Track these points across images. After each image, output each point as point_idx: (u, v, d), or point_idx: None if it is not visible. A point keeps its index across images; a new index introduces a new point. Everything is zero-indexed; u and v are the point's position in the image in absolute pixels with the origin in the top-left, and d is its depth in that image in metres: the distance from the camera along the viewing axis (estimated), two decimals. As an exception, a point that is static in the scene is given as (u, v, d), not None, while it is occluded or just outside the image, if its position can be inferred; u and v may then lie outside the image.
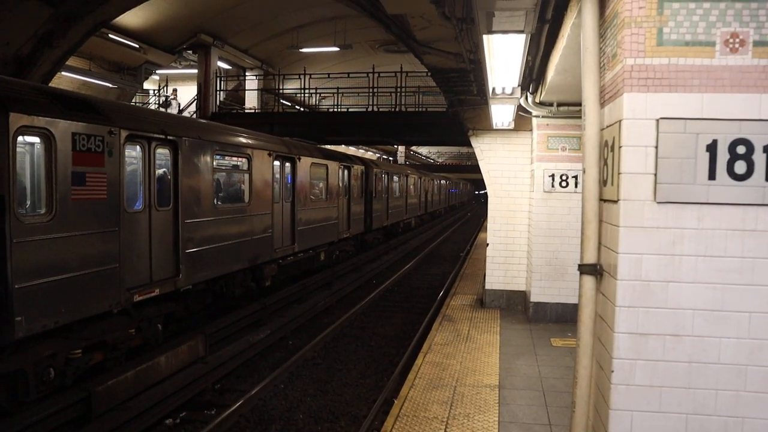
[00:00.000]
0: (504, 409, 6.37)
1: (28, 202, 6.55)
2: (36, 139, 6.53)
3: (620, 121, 3.36)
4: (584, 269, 3.68)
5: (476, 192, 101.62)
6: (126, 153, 7.75)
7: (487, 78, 5.93)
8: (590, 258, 3.68)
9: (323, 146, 18.09)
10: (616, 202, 3.42)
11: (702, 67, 3.26)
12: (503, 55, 5.09)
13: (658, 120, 3.29)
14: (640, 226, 3.34)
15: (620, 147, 3.34)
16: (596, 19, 3.60)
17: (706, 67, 3.26)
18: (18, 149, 6.18)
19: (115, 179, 7.41)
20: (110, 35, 17.90)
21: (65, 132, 6.67)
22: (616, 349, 3.40)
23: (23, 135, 6.28)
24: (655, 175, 3.31)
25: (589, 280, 3.69)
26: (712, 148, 3.23)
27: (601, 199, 3.73)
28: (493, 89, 6.36)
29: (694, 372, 3.37)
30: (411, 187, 29.47)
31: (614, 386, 3.42)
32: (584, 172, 3.69)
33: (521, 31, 4.02)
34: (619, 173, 3.36)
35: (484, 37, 4.40)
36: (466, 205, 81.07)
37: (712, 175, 3.26)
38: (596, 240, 3.68)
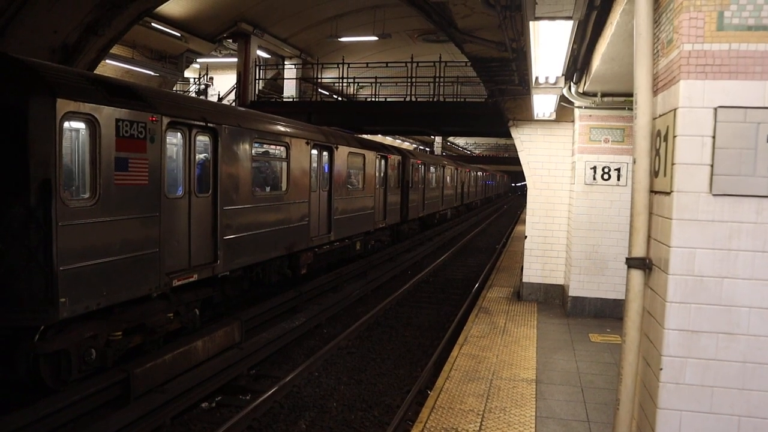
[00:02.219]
0: (541, 403, 6.27)
1: (73, 187, 6.68)
2: (81, 125, 6.65)
3: (675, 109, 3.21)
4: (632, 263, 3.55)
5: (513, 184, 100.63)
6: (167, 140, 7.84)
7: (531, 67, 5.79)
8: (639, 251, 3.54)
9: (360, 136, 18.09)
10: (668, 193, 3.28)
11: (765, 53, 3.08)
12: (548, 43, 4.95)
13: (716, 109, 3.14)
14: (695, 218, 3.20)
15: (675, 137, 3.20)
16: (650, 3, 3.44)
17: (770, 53, 3.08)
18: (64, 134, 6.30)
19: (156, 165, 7.51)
20: (153, 24, 18.19)
21: (109, 118, 6.78)
22: (665, 346, 3.28)
23: (69, 120, 6.41)
24: (712, 166, 3.16)
25: (637, 275, 3.56)
26: (774, 138, 3.07)
27: (652, 191, 3.58)
28: (536, 78, 6.21)
29: (748, 372, 3.23)
30: (447, 178, 29.26)
31: (663, 384, 3.31)
32: (634, 162, 3.55)
33: (569, 18, 3.88)
34: (672, 164, 3.22)
35: (530, 24, 4.28)
36: (503, 197, 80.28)
37: (773, 167, 3.10)
38: (645, 233, 3.55)
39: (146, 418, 6.69)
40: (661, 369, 3.31)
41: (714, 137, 3.15)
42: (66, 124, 6.36)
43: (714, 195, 3.19)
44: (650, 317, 3.54)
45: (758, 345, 3.21)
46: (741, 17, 3.10)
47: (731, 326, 3.24)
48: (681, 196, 3.21)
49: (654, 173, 3.55)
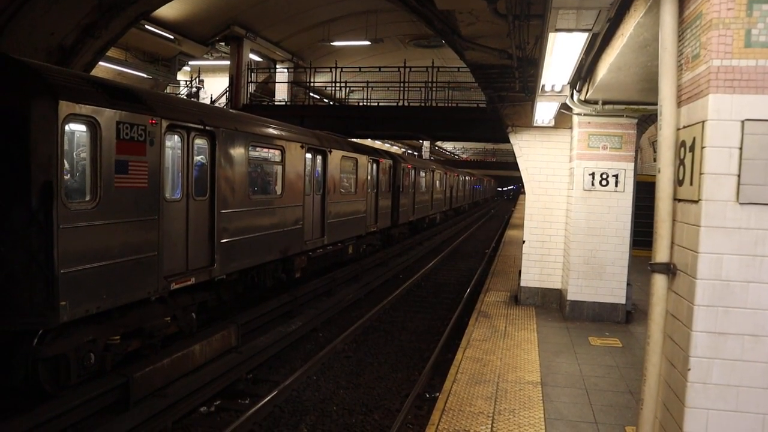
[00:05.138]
0: (549, 405, 6.36)
1: (74, 189, 6.62)
2: (82, 127, 6.60)
3: (704, 122, 3.33)
4: (656, 268, 3.67)
5: (500, 189, 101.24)
6: (166, 142, 7.81)
7: (542, 75, 5.88)
8: (663, 257, 3.65)
9: (352, 139, 18.11)
10: (696, 202, 3.39)
11: (790, 69, 3.21)
12: (561, 53, 5.04)
13: (743, 121, 3.26)
14: (722, 226, 3.32)
15: (703, 147, 3.31)
16: (676, 19, 3.56)
17: (795, 70, 3.21)
18: (65, 136, 6.25)
19: (155, 168, 7.47)
20: (147, 26, 18.09)
21: (110, 120, 6.74)
22: (693, 348, 3.39)
23: (71, 123, 6.35)
24: (739, 176, 3.28)
25: (660, 279, 3.67)
26: (798, 149, 3.18)
27: (676, 199, 3.69)
28: (543, 86, 6.30)
29: None
30: (437, 182, 29.37)
31: (691, 384, 3.42)
32: (659, 171, 3.66)
33: (589, 30, 3.97)
34: (700, 174, 3.34)
35: (549, 34, 4.35)
36: (490, 201, 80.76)
37: (797, 177, 3.21)
38: (669, 239, 3.66)
39: (147, 423, 6.65)
40: (689, 369, 3.42)
41: (741, 148, 3.27)
42: (68, 127, 6.31)
43: (741, 203, 3.31)
44: (674, 320, 3.65)
45: (782, 347, 3.34)
46: (768, 35, 3.23)
47: (756, 328, 3.36)
48: (709, 205, 3.32)
49: (678, 182, 3.65)
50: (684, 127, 3.62)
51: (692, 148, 3.44)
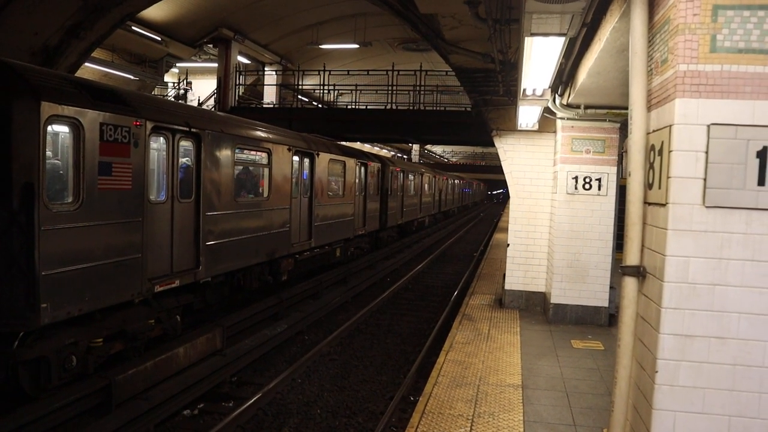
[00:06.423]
0: (528, 408, 6.39)
1: (56, 191, 6.59)
2: (65, 129, 6.58)
3: (671, 126, 3.38)
4: (627, 271, 3.71)
5: (489, 192, 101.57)
6: (151, 144, 7.80)
7: (521, 79, 5.93)
8: (633, 260, 3.70)
9: (340, 143, 18.13)
10: (664, 205, 3.43)
11: (755, 74, 3.27)
12: (539, 57, 5.09)
13: (709, 126, 3.32)
14: (689, 229, 3.37)
15: (670, 151, 3.36)
16: (645, 24, 3.62)
17: (758, 75, 3.27)
18: (48, 138, 6.23)
19: (140, 170, 7.46)
20: (133, 27, 18.02)
21: (93, 122, 6.72)
22: (660, 350, 3.44)
23: (53, 124, 6.33)
24: (705, 179, 3.34)
25: (631, 282, 3.72)
26: (762, 154, 3.25)
27: (646, 202, 3.74)
28: (524, 90, 6.36)
29: (738, 374, 3.41)
30: (425, 185, 29.43)
31: (658, 386, 3.46)
32: (629, 175, 3.71)
33: (563, 35, 4.02)
34: (668, 177, 3.38)
35: (525, 39, 4.40)
36: (479, 205, 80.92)
37: (761, 181, 3.28)
38: (639, 242, 3.71)
39: (129, 426, 6.62)
40: (656, 372, 3.46)
41: (707, 152, 3.32)
42: (50, 128, 6.29)
43: (707, 207, 3.36)
44: (644, 322, 3.69)
45: (747, 349, 3.39)
46: (732, 40, 3.29)
47: (722, 331, 3.41)
48: (676, 208, 3.37)
49: (648, 185, 3.70)
50: (653, 131, 3.66)
51: (661, 152, 3.49)
